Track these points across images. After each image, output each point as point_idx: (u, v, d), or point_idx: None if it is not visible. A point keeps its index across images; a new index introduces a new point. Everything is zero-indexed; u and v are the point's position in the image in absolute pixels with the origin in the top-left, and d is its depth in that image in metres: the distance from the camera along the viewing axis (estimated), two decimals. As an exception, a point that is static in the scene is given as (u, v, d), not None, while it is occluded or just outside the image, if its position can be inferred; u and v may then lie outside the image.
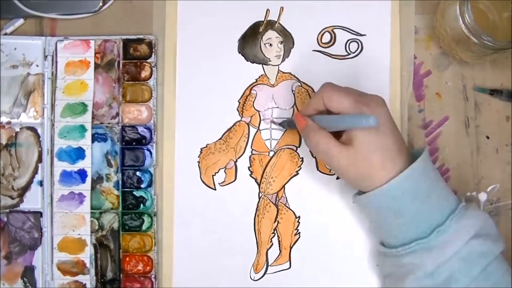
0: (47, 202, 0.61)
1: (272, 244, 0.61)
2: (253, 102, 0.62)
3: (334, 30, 0.62)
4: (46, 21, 0.63)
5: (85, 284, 0.61)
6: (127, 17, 0.63)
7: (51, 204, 0.61)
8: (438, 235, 0.50)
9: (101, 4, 0.62)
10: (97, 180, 0.62)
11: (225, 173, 0.62)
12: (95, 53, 0.62)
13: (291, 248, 0.61)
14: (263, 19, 0.62)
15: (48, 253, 0.61)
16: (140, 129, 0.62)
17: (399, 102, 0.61)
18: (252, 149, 0.62)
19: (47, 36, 0.62)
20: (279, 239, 0.61)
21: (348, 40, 0.62)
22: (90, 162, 0.61)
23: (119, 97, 0.62)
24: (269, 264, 0.61)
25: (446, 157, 0.62)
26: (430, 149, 0.62)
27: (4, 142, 0.62)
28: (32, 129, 0.62)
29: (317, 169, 0.61)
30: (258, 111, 0.62)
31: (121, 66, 0.62)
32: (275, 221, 0.61)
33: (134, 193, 0.62)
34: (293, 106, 0.62)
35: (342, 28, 0.62)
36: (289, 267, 0.61)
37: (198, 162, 0.62)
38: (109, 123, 0.62)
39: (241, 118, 0.62)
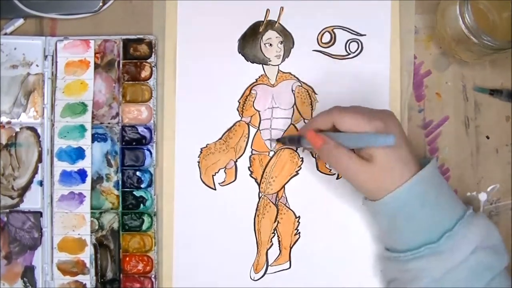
0: (47, 202, 0.61)
1: (272, 244, 0.61)
2: (253, 102, 0.62)
3: (334, 30, 0.62)
4: (46, 21, 0.63)
5: (85, 284, 0.61)
6: (127, 17, 0.63)
7: (51, 204, 0.61)
8: (447, 240, 0.50)
9: (101, 4, 0.62)
10: (97, 180, 0.61)
11: (225, 173, 0.62)
12: (95, 53, 0.62)
13: (291, 248, 0.61)
14: (263, 19, 0.62)
15: (48, 253, 0.61)
16: (140, 129, 0.62)
17: (399, 102, 0.61)
18: (252, 149, 0.62)
19: (47, 36, 0.62)
20: (279, 239, 0.61)
21: (348, 40, 0.62)
22: (90, 162, 0.61)
23: (119, 97, 0.62)
24: (269, 264, 0.61)
25: (446, 157, 0.62)
26: (430, 149, 0.62)
27: (4, 142, 0.62)
28: (32, 129, 0.62)
29: (317, 169, 0.61)
30: (258, 111, 0.62)
31: (121, 66, 0.62)
32: (275, 221, 0.61)
33: (134, 193, 0.62)
34: (293, 106, 0.62)
35: (342, 28, 0.62)
36: (289, 267, 0.61)
37: (198, 162, 0.62)
38: (109, 123, 0.62)
39: (241, 118, 0.62)
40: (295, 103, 0.62)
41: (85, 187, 0.61)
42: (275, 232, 0.61)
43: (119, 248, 0.61)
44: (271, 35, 0.62)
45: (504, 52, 0.55)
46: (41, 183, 0.62)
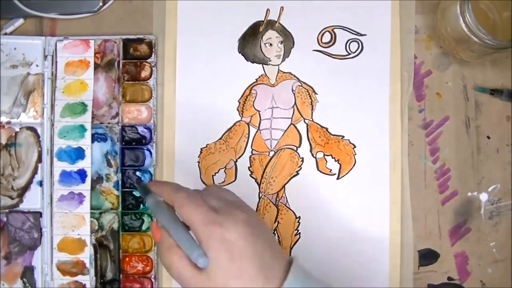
0: (47, 202, 0.61)
1: (272, 244, 0.61)
2: (253, 102, 0.62)
3: (334, 30, 0.62)
4: (46, 21, 0.63)
5: (84, 285, 0.61)
6: (127, 17, 0.63)
7: (51, 204, 0.61)
8: None
9: (101, 4, 0.62)
10: (97, 180, 0.61)
11: (225, 173, 0.62)
12: (95, 53, 0.62)
13: (291, 248, 0.61)
14: (263, 19, 0.62)
15: (47, 253, 0.61)
16: (140, 129, 0.62)
17: (399, 102, 0.61)
18: (252, 149, 0.62)
19: (47, 36, 0.62)
20: (279, 239, 0.61)
21: (348, 40, 0.62)
22: (90, 162, 0.61)
23: (119, 97, 0.62)
24: (269, 264, 0.61)
25: (446, 157, 0.61)
26: (431, 149, 0.62)
27: (3, 142, 0.62)
28: (32, 129, 0.62)
29: (317, 169, 0.61)
30: (258, 111, 0.62)
31: (121, 66, 0.62)
32: (275, 221, 0.61)
33: (134, 193, 0.61)
34: (293, 106, 0.62)
35: (342, 28, 0.62)
36: (289, 267, 0.61)
37: (198, 162, 0.62)
38: (109, 123, 0.62)
39: (241, 118, 0.62)
40: (295, 103, 0.62)
41: (85, 187, 0.61)
42: (275, 232, 0.61)
43: (119, 248, 0.61)
44: (271, 35, 0.62)
45: (504, 51, 0.55)
46: (40, 183, 0.61)
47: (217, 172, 0.62)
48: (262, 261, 0.44)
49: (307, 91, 0.62)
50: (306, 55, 0.62)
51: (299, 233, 0.61)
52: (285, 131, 0.62)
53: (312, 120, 0.62)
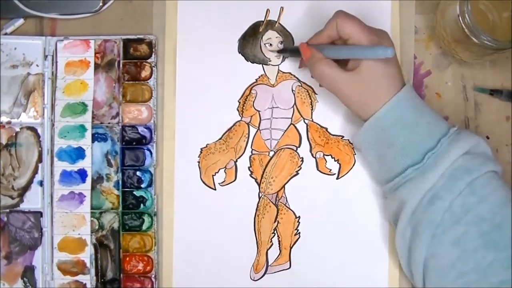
0: (47, 202, 0.61)
1: (272, 244, 0.61)
2: (253, 102, 0.62)
3: (334, 30, 0.62)
4: (46, 21, 0.63)
5: (85, 284, 0.61)
6: (127, 17, 0.63)
7: (51, 204, 0.61)
8: (431, 159, 0.51)
9: (101, 4, 0.62)
10: (97, 180, 0.62)
11: (225, 173, 0.62)
12: (95, 53, 0.62)
13: (291, 248, 0.61)
14: (263, 19, 0.62)
15: (48, 253, 0.61)
16: (140, 129, 0.62)
17: (399, 102, 0.61)
18: (252, 149, 0.62)
19: (47, 36, 0.62)
20: (279, 239, 0.61)
21: (348, 40, 0.62)
22: (90, 162, 0.61)
23: (119, 97, 0.62)
24: (269, 264, 0.61)
25: (446, 157, 0.61)
26: (430, 149, 0.62)
27: (4, 142, 0.62)
28: (32, 129, 0.62)
29: (317, 169, 0.61)
30: (258, 111, 0.62)
31: (121, 66, 0.62)
32: (275, 221, 0.61)
33: (134, 193, 0.62)
34: (293, 106, 0.62)
35: None
36: (289, 267, 0.61)
37: (198, 162, 0.62)
38: (109, 123, 0.62)
39: (241, 118, 0.62)
40: (295, 103, 0.62)
41: (85, 187, 0.61)
42: (275, 232, 0.61)
43: (119, 248, 0.61)
44: (271, 35, 0.62)
45: (504, 52, 0.55)
46: (41, 183, 0.62)
47: (217, 172, 0.62)
48: (400, 69, 0.55)
49: (307, 91, 0.62)
50: (306, 55, 0.62)
51: (299, 233, 0.61)
52: (285, 131, 0.62)
53: (312, 120, 0.62)
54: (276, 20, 0.62)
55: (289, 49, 0.61)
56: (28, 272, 0.61)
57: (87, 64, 0.62)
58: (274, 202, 0.61)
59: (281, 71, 0.62)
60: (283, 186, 0.61)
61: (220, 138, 0.62)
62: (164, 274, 0.61)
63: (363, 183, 0.61)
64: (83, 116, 0.62)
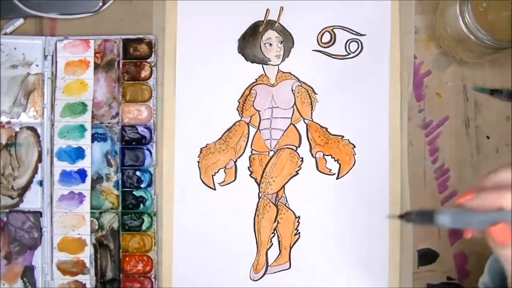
0: (47, 202, 0.61)
1: (272, 244, 0.61)
2: (253, 102, 0.62)
3: (334, 30, 0.62)
4: (46, 21, 0.63)
5: (85, 284, 0.61)
6: (127, 17, 0.63)
7: (51, 204, 0.61)
8: None
9: (101, 4, 0.62)
10: (97, 180, 0.61)
11: (225, 173, 0.62)
12: (95, 53, 0.62)
13: (291, 248, 0.61)
14: (263, 19, 0.62)
15: (48, 253, 0.61)
16: (140, 129, 0.62)
17: (399, 102, 0.61)
18: (252, 149, 0.62)
19: (47, 36, 0.63)
20: (279, 239, 0.61)
21: (348, 40, 0.62)
22: (90, 162, 0.61)
23: (119, 97, 0.62)
24: (269, 264, 0.61)
25: (446, 157, 0.61)
26: (430, 149, 0.62)
27: (4, 142, 0.62)
28: (32, 129, 0.62)
29: (317, 169, 0.61)
30: (258, 111, 0.62)
31: (121, 66, 0.62)
32: (275, 221, 0.61)
33: (134, 193, 0.62)
34: (293, 106, 0.62)
35: (342, 28, 0.62)
36: (289, 267, 0.61)
37: (198, 162, 0.62)
38: (109, 123, 0.62)
39: (241, 118, 0.62)
40: (295, 103, 0.62)
41: (85, 187, 0.61)
42: (275, 232, 0.61)
43: (119, 248, 0.61)
44: (271, 35, 0.62)
45: (504, 51, 0.55)
46: (41, 183, 0.62)
47: (217, 172, 0.62)
48: None
49: (307, 91, 0.62)
50: (306, 55, 0.62)
51: (299, 232, 0.61)
52: (285, 131, 0.62)
53: (312, 120, 0.62)
54: (276, 20, 0.62)
55: (418, 214, 0.43)
56: (28, 272, 0.61)
57: (87, 64, 0.62)
58: (274, 202, 0.61)
59: (281, 71, 0.62)
60: (283, 186, 0.61)
61: (220, 138, 0.62)
62: (164, 274, 0.61)
63: (363, 183, 0.61)
64: (82, 116, 0.62)
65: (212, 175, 0.62)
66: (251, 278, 0.61)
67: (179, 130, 0.62)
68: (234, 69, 0.62)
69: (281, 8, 0.62)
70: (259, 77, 0.62)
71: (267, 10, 0.62)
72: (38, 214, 0.61)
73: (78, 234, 0.61)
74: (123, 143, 0.62)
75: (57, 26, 0.63)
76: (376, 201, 0.60)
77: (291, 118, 0.62)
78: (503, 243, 0.41)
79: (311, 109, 0.62)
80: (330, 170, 0.61)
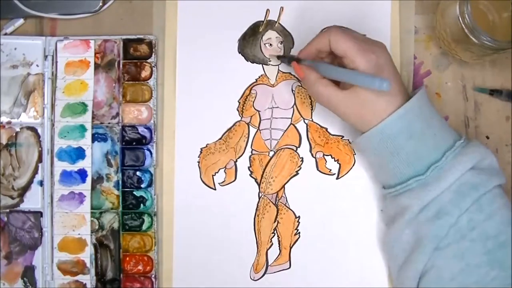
0: (47, 202, 0.61)
1: (272, 244, 0.61)
2: (253, 102, 0.62)
3: (334, 30, 0.62)
4: (46, 21, 0.63)
5: (85, 284, 0.61)
6: (127, 17, 0.63)
7: (51, 204, 0.61)
8: (434, 172, 0.51)
9: (101, 4, 0.62)
10: (97, 180, 0.62)
11: (225, 173, 0.62)
12: (95, 53, 0.62)
13: (291, 248, 0.61)
14: (263, 19, 0.62)
15: (48, 253, 0.61)
16: (140, 129, 0.62)
17: (399, 102, 0.61)
18: (252, 149, 0.62)
19: (47, 36, 0.63)
20: (279, 239, 0.61)
21: (348, 40, 0.62)
22: (90, 162, 0.61)
23: (119, 97, 0.62)
24: (269, 264, 0.61)
25: (446, 157, 0.61)
26: (430, 149, 0.62)
27: (4, 142, 0.62)
28: (32, 129, 0.62)
29: (317, 169, 0.61)
30: (258, 111, 0.62)
31: (121, 66, 0.62)
32: (275, 221, 0.61)
33: (134, 193, 0.62)
34: (293, 106, 0.62)
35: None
36: (289, 267, 0.61)
37: (198, 162, 0.62)
38: (109, 123, 0.62)
39: (241, 118, 0.62)
40: (295, 103, 0.62)
41: (85, 187, 0.61)
42: (275, 232, 0.61)
43: (119, 248, 0.61)
44: (271, 35, 0.62)
45: (504, 52, 0.55)
46: (41, 183, 0.62)
47: (217, 172, 0.62)
48: (401, 81, 0.54)
49: (307, 91, 0.62)
50: (306, 55, 0.62)
51: (299, 232, 0.61)
52: (285, 131, 0.62)
53: (312, 120, 0.62)
54: (276, 20, 0.62)
55: (288, 57, 0.59)
56: (28, 272, 0.61)
57: (87, 64, 0.62)
58: (274, 202, 0.61)
59: (281, 71, 0.62)
60: (283, 186, 0.61)
61: (220, 138, 0.62)
62: (164, 274, 0.61)
63: (363, 183, 0.61)
64: (83, 116, 0.62)
65: (212, 175, 0.62)
66: (251, 278, 0.61)
67: (179, 130, 0.62)
68: (234, 69, 0.62)
69: (281, 8, 0.62)
70: (259, 77, 0.62)
71: (267, 10, 0.62)
72: (38, 214, 0.61)
73: (79, 234, 0.61)
74: (124, 143, 0.62)
75: (57, 26, 0.63)
76: (375, 201, 0.61)
77: (291, 118, 0.62)
78: (299, 76, 0.55)
79: (311, 109, 0.62)
80: (330, 170, 0.61)
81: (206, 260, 0.61)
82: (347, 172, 0.61)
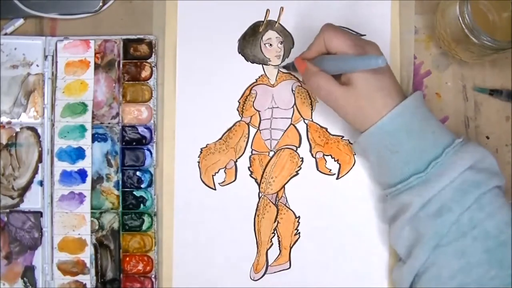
0: (47, 202, 0.61)
1: (272, 244, 0.61)
2: (253, 102, 0.62)
3: (334, 30, 0.62)
4: (46, 21, 0.63)
5: (85, 284, 0.61)
6: (127, 17, 0.63)
7: (51, 204, 0.61)
8: (435, 168, 0.51)
9: (101, 4, 0.62)
10: (97, 180, 0.62)
11: (225, 173, 0.62)
12: (95, 53, 0.62)
13: (291, 248, 0.61)
14: (263, 19, 0.62)
15: (48, 253, 0.61)
16: (140, 129, 0.62)
17: (399, 102, 0.61)
18: (252, 149, 0.62)
19: (47, 36, 0.63)
20: (279, 239, 0.61)
21: (348, 40, 0.62)
22: (90, 162, 0.61)
23: (119, 97, 0.62)
24: (269, 264, 0.61)
25: (446, 157, 0.61)
26: (430, 149, 0.62)
27: (4, 142, 0.62)
28: (32, 129, 0.62)
29: (317, 169, 0.61)
30: (258, 111, 0.62)
31: (121, 66, 0.62)
32: (275, 221, 0.61)
33: (134, 193, 0.62)
34: (293, 106, 0.62)
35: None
36: (289, 267, 0.61)
37: (198, 162, 0.62)
38: (109, 123, 0.62)
39: (241, 118, 0.62)
40: (295, 103, 0.62)
41: (85, 187, 0.61)
42: (275, 232, 0.61)
43: (119, 248, 0.61)
44: (271, 35, 0.62)
45: (504, 52, 0.55)
46: (41, 183, 0.62)
47: (217, 172, 0.62)
48: (396, 80, 0.55)
49: (307, 91, 0.62)
50: (306, 55, 0.62)
51: (299, 232, 0.61)
52: (285, 131, 0.62)
53: (312, 120, 0.62)
54: (276, 20, 0.62)
55: (292, 64, 0.60)
56: (28, 272, 0.61)
57: (87, 64, 0.62)
58: (274, 202, 0.61)
59: (281, 71, 0.62)
60: (283, 186, 0.61)
61: (220, 138, 0.62)
62: (164, 274, 0.61)
63: (363, 183, 0.61)
64: (83, 116, 0.62)
65: (212, 175, 0.62)
66: (251, 278, 0.61)
67: (179, 130, 0.62)
68: (234, 69, 0.62)
69: (281, 8, 0.62)
70: (259, 77, 0.62)
71: (267, 10, 0.62)
72: (38, 214, 0.61)
73: (79, 234, 0.61)
74: (124, 143, 0.62)
75: (57, 26, 0.63)
76: (376, 201, 0.61)
77: (291, 118, 0.62)
78: (300, 71, 0.57)
79: (311, 109, 0.62)
80: (330, 170, 0.61)
81: (206, 260, 0.61)
82: (347, 172, 0.61)
